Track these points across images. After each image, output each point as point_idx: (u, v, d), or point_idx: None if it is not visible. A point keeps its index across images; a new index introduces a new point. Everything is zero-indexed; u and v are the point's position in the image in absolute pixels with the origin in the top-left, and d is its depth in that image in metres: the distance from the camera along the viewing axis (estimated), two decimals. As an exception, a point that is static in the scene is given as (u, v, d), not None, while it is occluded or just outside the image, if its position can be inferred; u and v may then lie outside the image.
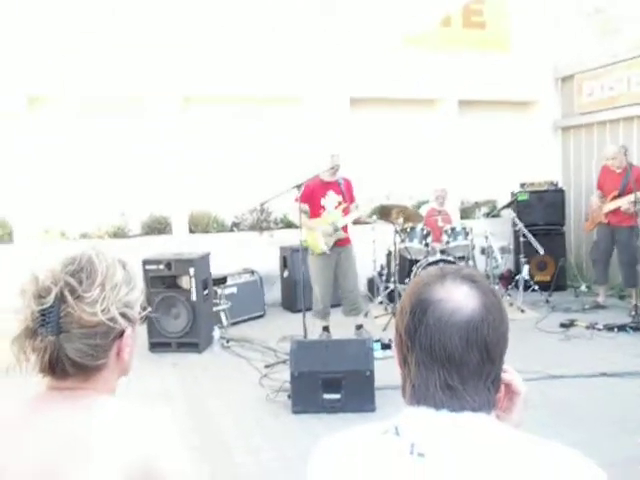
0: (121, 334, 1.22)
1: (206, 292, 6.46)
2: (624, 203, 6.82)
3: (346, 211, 6.02)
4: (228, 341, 6.40)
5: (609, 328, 6.32)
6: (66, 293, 1.13)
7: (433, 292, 1.02)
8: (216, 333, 6.44)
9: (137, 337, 1.29)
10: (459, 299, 1.00)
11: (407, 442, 0.97)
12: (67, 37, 7.35)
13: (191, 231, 8.19)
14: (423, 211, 7.39)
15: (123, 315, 1.20)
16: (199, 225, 8.22)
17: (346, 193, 6.05)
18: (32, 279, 1.15)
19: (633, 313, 6.62)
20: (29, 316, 1.13)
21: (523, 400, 1.14)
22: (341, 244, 6.04)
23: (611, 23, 8.71)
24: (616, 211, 7.02)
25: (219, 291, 7.02)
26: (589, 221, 7.56)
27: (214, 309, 6.78)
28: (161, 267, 6.25)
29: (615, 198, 7.04)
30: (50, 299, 1.12)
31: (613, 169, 7.14)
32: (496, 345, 1.01)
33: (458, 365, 0.98)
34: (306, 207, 5.98)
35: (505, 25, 9.33)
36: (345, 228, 6.05)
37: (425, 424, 0.99)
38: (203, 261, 6.50)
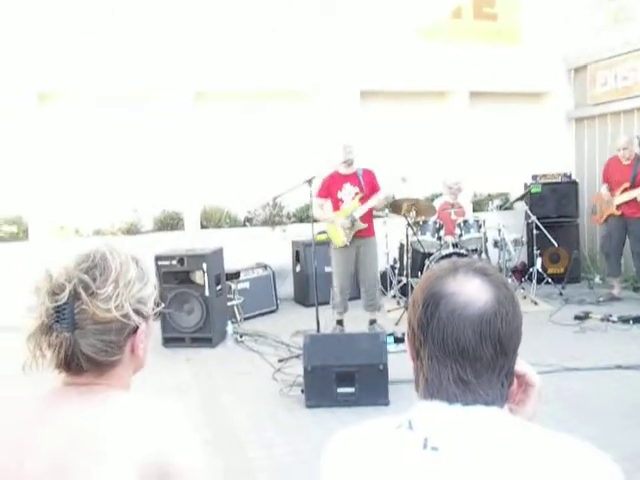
0: (135, 330, 1.22)
1: (219, 287, 6.48)
2: (638, 194, 6.78)
3: (363, 201, 5.98)
4: (241, 336, 6.42)
5: (624, 320, 6.28)
6: (80, 290, 1.14)
7: (445, 285, 1.02)
8: (229, 328, 6.46)
9: (151, 333, 1.30)
10: (471, 292, 1.00)
11: (420, 436, 0.97)
12: (79, 34, 7.38)
13: (203, 226, 8.22)
14: (436, 204, 7.36)
15: (137, 311, 1.20)
16: (211, 220, 8.24)
17: (365, 184, 6.02)
18: (46, 276, 1.16)
19: None
20: (44, 313, 1.13)
21: (537, 392, 1.13)
22: (361, 235, 6.00)
23: (624, 11, 8.60)
24: (629, 202, 6.96)
25: (232, 286, 7.04)
26: (598, 214, 7.48)
27: (227, 304, 6.80)
28: (174, 263, 6.28)
29: (626, 190, 6.98)
30: (64, 296, 1.13)
31: (621, 160, 7.10)
32: (510, 338, 1.00)
33: (471, 359, 0.98)
34: (327, 203, 5.99)
35: (516, 16, 9.25)
36: (366, 218, 6.00)
37: (438, 418, 0.98)
38: (216, 256, 6.52)
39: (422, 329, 1.02)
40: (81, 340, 1.14)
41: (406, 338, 1.10)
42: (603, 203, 7.31)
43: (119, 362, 1.21)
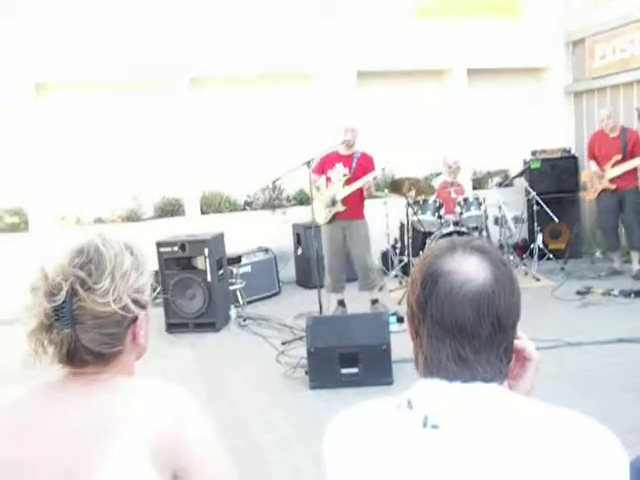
0: (135, 319, 1.23)
1: (221, 272, 6.49)
2: (637, 163, 6.71)
3: (349, 183, 5.92)
4: (245, 320, 6.44)
5: (625, 294, 6.29)
6: (77, 287, 1.14)
7: (443, 264, 1.02)
8: (233, 312, 6.49)
9: (151, 318, 1.30)
10: (469, 270, 1.00)
11: (420, 415, 0.98)
12: (77, 22, 7.33)
13: (203, 212, 8.22)
14: (436, 183, 7.35)
15: (135, 301, 1.20)
16: (212, 205, 8.24)
17: (357, 167, 5.98)
18: (42, 276, 1.15)
19: None
20: (42, 313, 1.13)
21: (535, 366, 1.13)
22: (345, 217, 5.96)
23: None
24: (623, 175, 6.92)
25: (234, 270, 7.05)
26: (589, 190, 7.40)
27: (230, 288, 6.82)
28: (175, 249, 6.28)
29: (618, 162, 6.93)
30: (62, 296, 1.13)
31: (607, 133, 7.06)
32: (508, 315, 1.01)
33: (470, 336, 0.98)
34: (320, 179, 5.97)
35: (514, -10, 9.16)
36: (352, 201, 5.94)
37: (438, 396, 0.99)
38: (217, 241, 6.53)
39: (421, 308, 1.02)
40: (82, 335, 1.14)
41: (406, 317, 1.10)
42: (594, 178, 7.26)
43: (121, 352, 1.22)
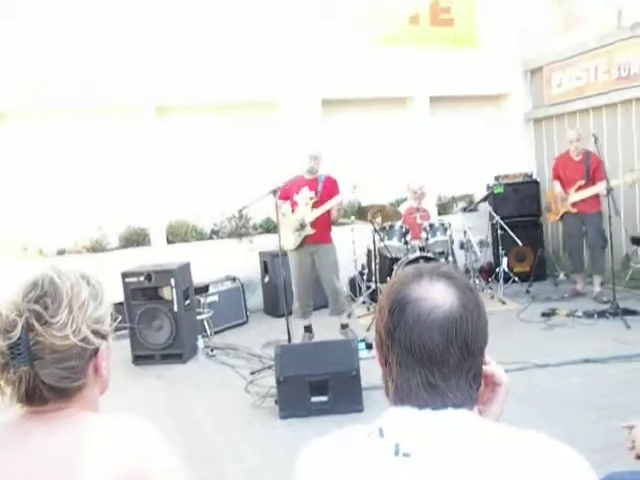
0: (96, 351, 1.19)
1: (188, 302, 6.42)
2: (601, 189, 6.80)
3: (317, 206, 5.95)
4: (212, 350, 6.37)
5: (589, 315, 6.40)
6: (33, 321, 1.10)
7: (411, 291, 1.03)
8: (200, 342, 6.41)
9: (112, 349, 1.27)
10: (437, 296, 1.01)
11: (392, 443, 0.97)
12: (35, 47, 7.27)
13: (169, 241, 8.14)
14: (402, 209, 7.43)
15: (95, 332, 1.17)
16: (178, 235, 8.17)
17: (323, 190, 6.00)
18: None
19: (605, 299, 6.78)
20: None
21: (505, 391, 1.14)
22: (314, 241, 5.96)
23: (576, 14, 8.82)
24: (585, 199, 7.06)
25: (201, 300, 6.98)
26: (553, 212, 7.54)
27: (197, 318, 6.74)
28: (141, 279, 6.20)
29: (582, 187, 7.08)
30: (17, 332, 1.09)
31: (572, 156, 7.21)
32: (475, 341, 1.01)
33: (439, 363, 0.99)
34: (285, 205, 5.98)
35: (472, 21, 9.40)
36: (320, 225, 5.96)
37: (409, 424, 0.99)
38: (183, 271, 6.47)
39: (389, 335, 1.02)
40: (41, 371, 1.11)
41: (374, 344, 1.11)
42: (557, 200, 7.41)
43: (84, 386, 1.18)
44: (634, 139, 7.89)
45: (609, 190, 6.46)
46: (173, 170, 8.11)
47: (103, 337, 1.20)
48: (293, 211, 6.02)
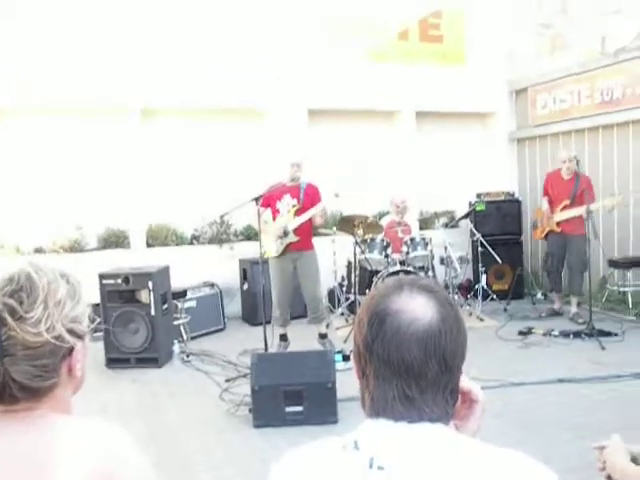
0: (70, 351, 1.16)
1: (165, 306, 6.37)
2: (582, 212, 6.83)
3: (299, 214, 5.95)
4: (188, 355, 6.31)
5: (565, 335, 6.46)
6: (6, 315, 1.08)
7: (390, 303, 1.02)
8: (176, 347, 6.35)
9: (88, 350, 1.24)
10: (416, 310, 1.00)
11: (366, 456, 0.96)
12: (21, 47, 7.21)
13: (149, 245, 8.08)
14: (384, 222, 7.45)
15: (70, 331, 1.14)
16: (158, 238, 8.11)
17: (305, 198, 6.01)
18: None
19: (581, 320, 6.85)
20: None
21: (481, 408, 1.13)
22: (296, 249, 5.96)
23: (561, 38, 8.96)
24: (569, 219, 7.10)
25: (179, 305, 6.94)
26: (539, 229, 7.57)
27: (174, 323, 6.68)
28: (119, 281, 6.14)
29: (566, 207, 7.14)
30: None
31: (562, 175, 7.24)
32: (454, 356, 1.01)
33: (416, 376, 0.98)
34: (267, 212, 5.97)
35: (461, 39, 9.51)
36: (302, 232, 5.97)
37: (384, 437, 0.98)
38: (162, 274, 6.41)
39: (367, 347, 1.01)
40: (11, 368, 1.08)
41: (352, 356, 1.10)
42: (544, 218, 7.46)
43: (56, 385, 1.15)
44: (614, 163, 8.01)
45: (589, 213, 6.53)
46: (156, 173, 8.06)
47: (79, 337, 1.17)
48: (275, 218, 6.02)
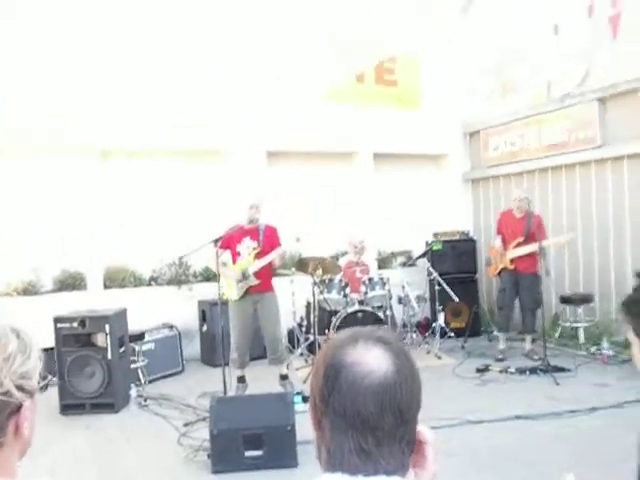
0: (18, 408, 1.12)
1: (122, 349, 6.26)
2: (535, 249, 6.93)
3: (259, 256, 5.98)
4: (146, 399, 6.19)
5: (521, 371, 6.57)
6: None
7: (346, 355, 1.03)
8: (133, 392, 6.22)
9: (37, 409, 1.20)
10: (372, 362, 1.01)
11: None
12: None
13: (106, 286, 7.96)
14: (342, 262, 7.52)
15: (19, 388, 1.10)
16: (115, 280, 8.01)
17: (264, 240, 6.04)
18: None
19: (536, 357, 6.97)
20: None
21: (433, 449, 1.12)
22: (257, 291, 5.97)
23: (510, 83, 9.33)
24: (522, 257, 7.19)
25: (136, 348, 6.82)
26: (493, 266, 7.65)
27: (131, 366, 6.56)
28: (75, 325, 6.02)
29: (519, 245, 7.25)
30: None
31: (514, 214, 7.39)
32: (409, 407, 1.02)
33: (372, 429, 0.99)
34: (225, 254, 5.97)
35: (416, 83, 9.79)
36: (263, 274, 5.99)
37: (341, 490, 0.99)
38: (119, 317, 6.32)
39: (323, 400, 1.03)
40: None
41: (309, 407, 1.10)
42: (497, 255, 7.57)
43: (1, 445, 1.11)
44: (563, 202, 8.29)
45: (542, 250, 6.72)
46: (114, 214, 8.00)
47: (29, 393, 1.13)
48: (235, 261, 6.03)
